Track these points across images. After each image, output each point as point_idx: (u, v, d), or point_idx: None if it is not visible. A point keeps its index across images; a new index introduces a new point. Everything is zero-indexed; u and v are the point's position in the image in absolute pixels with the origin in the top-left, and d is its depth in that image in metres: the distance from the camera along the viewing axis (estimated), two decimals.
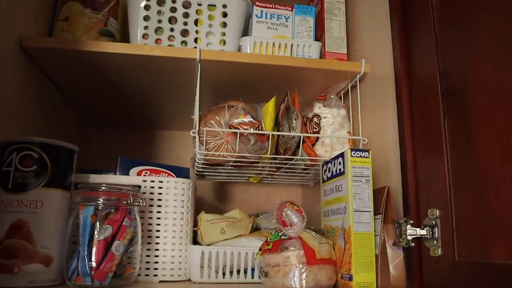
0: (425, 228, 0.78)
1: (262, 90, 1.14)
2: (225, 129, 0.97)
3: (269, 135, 0.96)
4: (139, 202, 0.92)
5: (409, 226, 0.80)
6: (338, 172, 0.89)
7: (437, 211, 0.75)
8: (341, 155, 0.88)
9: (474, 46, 0.70)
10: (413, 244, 0.80)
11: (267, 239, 0.88)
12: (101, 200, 0.88)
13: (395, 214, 0.86)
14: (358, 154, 0.86)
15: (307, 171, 1.12)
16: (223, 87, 1.16)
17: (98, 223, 0.86)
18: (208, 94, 1.18)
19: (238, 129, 0.94)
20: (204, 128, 0.96)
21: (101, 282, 0.84)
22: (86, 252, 0.84)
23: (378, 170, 0.97)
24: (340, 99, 1.15)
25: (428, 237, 0.77)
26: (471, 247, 0.68)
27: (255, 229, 1.06)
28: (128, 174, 1.02)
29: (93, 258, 0.84)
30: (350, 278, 0.81)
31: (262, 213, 1.31)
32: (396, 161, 0.90)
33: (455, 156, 0.73)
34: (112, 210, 0.89)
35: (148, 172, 1.03)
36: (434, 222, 0.76)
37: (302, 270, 0.80)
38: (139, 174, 1.03)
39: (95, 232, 0.85)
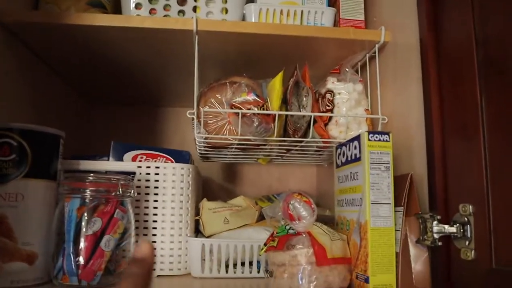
0: (455, 226, 0.65)
1: (269, 64, 1.00)
2: (226, 109, 0.84)
3: (275, 115, 0.83)
4: (131, 193, 0.81)
5: (435, 222, 0.67)
6: (353, 157, 0.76)
7: (471, 206, 0.62)
8: (357, 138, 0.74)
9: None
10: (440, 243, 0.67)
11: (273, 233, 0.76)
12: (88, 191, 0.77)
13: (419, 207, 0.73)
14: (376, 137, 0.72)
15: (320, 153, 0.99)
16: (226, 62, 1.02)
17: (86, 216, 0.76)
18: (210, 69, 1.05)
19: (240, 108, 0.82)
20: (202, 108, 0.83)
21: (89, 282, 0.74)
22: (71, 249, 0.74)
23: (399, 155, 0.83)
24: (357, 72, 1.00)
25: (459, 236, 0.64)
26: None
27: (262, 217, 0.95)
28: (122, 160, 0.91)
29: (81, 256, 0.74)
30: (367, 280, 0.69)
31: (274, 195, 1.20)
32: (422, 145, 0.76)
33: (494, 140, 0.59)
34: (103, 201, 0.79)
35: (144, 157, 0.92)
36: (466, 219, 0.63)
37: (311, 272, 0.68)
38: (134, 159, 0.91)
39: (82, 227, 0.75)
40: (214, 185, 1.38)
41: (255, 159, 1.09)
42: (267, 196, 1.16)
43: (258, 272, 0.85)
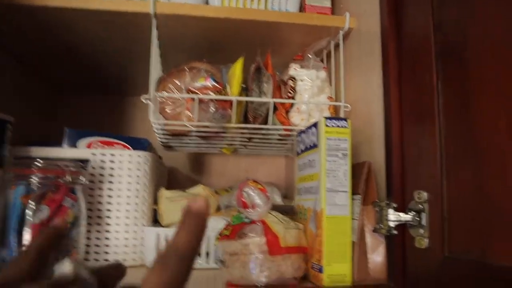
0: (410, 213, 0.62)
1: (233, 51, 0.97)
2: (182, 94, 0.80)
3: (233, 101, 0.80)
4: (82, 180, 0.77)
5: (391, 210, 0.65)
6: (311, 144, 0.73)
7: (425, 193, 0.60)
8: (315, 124, 0.72)
9: None
10: (395, 232, 0.65)
11: (229, 222, 0.73)
12: (34, 178, 0.73)
13: (377, 195, 0.71)
14: (334, 123, 0.70)
15: (283, 142, 0.96)
16: (190, 48, 0.99)
17: (32, 204, 0.72)
18: (174, 56, 1.01)
19: (197, 94, 0.78)
20: (157, 93, 0.80)
21: None
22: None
23: (362, 143, 0.81)
24: (323, 61, 0.97)
25: (414, 224, 0.62)
26: (466, 241, 0.52)
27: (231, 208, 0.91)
28: (76, 147, 0.87)
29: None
30: (321, 270, 0.66)
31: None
32: (382, 133, 0.73)
33: (449, 127, 0.57)
34: (53, 189, 0.75)
35: (100, 144, 0.88)
36: (421, 206, 0.60)
37: (263, 261, 0.65)
38: (89, 146, 0.87)
39: (28, 215, 0.71)
40: (180, 175, 1.34)
41: (219, 149, 1.06)
42: (230, 187, 1.13)
43: (216, 263, 0.82)
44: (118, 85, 1.28)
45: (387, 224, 0.65)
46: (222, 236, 0.70)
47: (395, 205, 0.65)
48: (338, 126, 0.70)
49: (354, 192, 0.71)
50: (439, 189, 0.57)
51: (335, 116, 0.90)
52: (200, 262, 0.82)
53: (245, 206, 0.69)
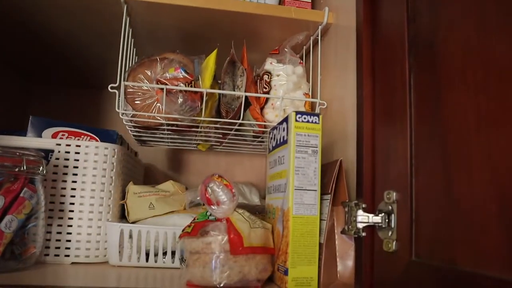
0: (379, 215, 0.59)
1: (209, 43, 0.93)
2: (150, 84, 0.76)
3: (202, 93, 0.76)
4: (42, 170, 0.73)
5: (360, 210, 0.61)
6: (281, 140, 0.69)
7: (395, 194, 0.56)
8: (286, 119, 0.68)
9: None
10: (364, 234, 0.61)
11: (194, 219, 0.69)
12: None
13: (348, 195, 0.67)
14: (305, 118, 0.66)
15: (259, 139, 0.92)
16: (164, 39, 0.95)
17: None
18: (148, 46, 0.97)
19: (166, 84, 0.74)
20: (124, 82, 0.75)
21: None
22: None
23: (336, 142, 0.77)
24: (302, 58, 0.94)
25: (383, 226, 0.58)
26: (432, 244, 0.49)
27: (195, 204, 0.87)
28: (41, 136, 0.82)
29: None
30: (286, 272, 0.63)
31: None
32: (355, 131, 0.70)
33: (420, 123, 0.53)
34: (12, 179, 0.71)
35: (66, 135, 0.83)
36: (390, 207, 0.57)
37: (225, 261, 0.61)
38: (54, 136, 0.83)
39: None
40: (158, 173, 1.30)
41: (195, 145, 1.02)
42: None
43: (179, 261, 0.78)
44: (94, 78, 1.23)
45: (356, 226, 0.61)
46: (183, 233, 0.66)
47: (364, 205, 0.61)
48: (308, 121, 0.66)
49: (324, 191, 0.67)
50: (408, 189, 0.53)
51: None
52: (165, 261, 0.78)
53: (209, 202, 0.65)
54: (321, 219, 0.65)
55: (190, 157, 1.33)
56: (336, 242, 0.67)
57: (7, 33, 0.95)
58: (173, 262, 0.78)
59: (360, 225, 0.61)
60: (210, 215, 0.67)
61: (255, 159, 1.36)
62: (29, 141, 0.79)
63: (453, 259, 0.44)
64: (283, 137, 0.68)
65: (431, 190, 0.49)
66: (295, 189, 0.64)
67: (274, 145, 0.74)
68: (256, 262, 0.63)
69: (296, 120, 0.65)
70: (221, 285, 0.60)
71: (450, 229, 0.45)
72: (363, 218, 0.60)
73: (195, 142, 0.98)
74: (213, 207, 0.65)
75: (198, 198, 0.67)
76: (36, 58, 1.10)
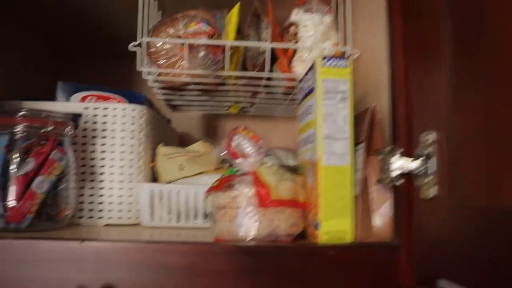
0: (417, 160, 0.53)
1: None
2: (171, 40, 0.73)
3: (225, 47, 0.71)
4: (70, 132, 0.71)
5: (396, 157, 0.55)
6: (309, 90, 0.64)
7: (432, 135, 0.50)
8: (312, 66, 0.63)
9: None
10: (401, 181, 0.55)
11: (222, 175, 0.66)
12: (18, 127, 0.67)
13: (383, 144, 0.62)
14: (332, 63, 0.60)
15: (290, 97, 0.87)
16: None
17: (16, 155, 0.67)
18: (168, 6, 0.92)
19: (187, 39, 0.70)
20: (145, 39, 0.72)
21: (17, 224, 0.65)
22: None
23: (369, 93, 0.71)
24: (331, 8, 0.87)
25: (422, 171, 0.52)
26: (476, 184, 0.43)
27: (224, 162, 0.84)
28: (69, 101, 0.81)
29: (9, 197, 0.65)
30: (317, 226, 0.58)
31: None
32: (388, 77, 0.64)
33: (459, 56, 0.46)
34: (42, 142, 0.70)
35: (94, 98, 0.82)
36: (428, 150, 0.51)
37: (253, 214, 0.58)
38: (82, 100, 0.81)
39: (12, 166, 0.66)
40: (193, 142, 1.26)
41: (226, 108, 0.98)
42: None
43: (206, 218, 0.75)
44: (122, 47, 1.20)
45: (391, 173, 0.55)
46: (209, 188, 0.63)
47: (400, 150, 0.55)
48: (336, 65, 0.60)
49: (357, 141, 0.62)
50: (446, 127, 0.47)
51: None
52: (197, 222, 0.75)
53: (234, 156, 0.61)
54: (354, 170, 0.60)
55: (225, 124, 1.29)
56: (371, 194, 0.62)
57: (35, 3, 0.94)
58: (204, 222, 0.75)
59: (396, 172, 0.55)
60: (238, 170, 0.63)
61: (291, 124, 1.30)
62: (57, 105, 0.78)
63: (499, 197, 0.39)
64: (310, 85, 0.63)
65: (472, 126, 0.43)
66: (324, 138, 0.59)
67: (302, 96, 0.69)
68: (285, 216, 0.59)
69: (323, 65, 0.60)
70: (249, 238, 0.57)
71: (495, 165, 0.39)
72: (400, 164, 0.55)
73: (226, 104, 0.95)
74: (238, 161, 0.61)
75: (224, 153, 0.64)
76: (64, 28, 1.09)
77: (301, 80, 0.70)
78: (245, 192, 0.58)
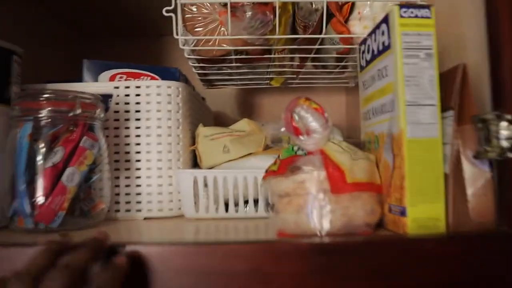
0: None
1: None
2: (210, 0, 0.62)
3: (274, 4, 0.60)
4: (101, 115, 0.62)
5: (504, 124, 0.44)
6: (381, 48, 0.53)
7: None
8: (385, 18, 0.51)
9: None
10: (511, 154, 0.44)
11: (278, 156, 0.56)
12: (43, 112, 0.58)
13: (476, 110, 0.50)
14: (412, 12, 0.49)
15: (343, 63, 0.75)
16: None
17: (42, 144, 0.58)
18: None
19: None
20: (180, 1, 0.61)
21: (47, 224, 0.57)
22: (23, 185, 0.57)
23: (446, 48, 0.59)
24: None
25: None
26: None
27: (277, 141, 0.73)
28: (97, 81, 0.72)
29: (37, 193, 0.57)
30: (403, 212, 0.47)
31: None
32: (476, 30, 0.52)
33: None
34: (71, 128, 0.61)
35: (125, 77, 0.72)
36: None
37: (325, 202, 0.47)
38: (112, 79, 0.72)
39: (39, 158, 0.57)
40: (229, 120, 1.16)
41: (267, 81, 0.87)
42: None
43: (264, 208, 0.65)
44: (150, 26, 1.10)
45: (498, 144, 0.44)
46: (268, 172, 0.52)
47: (508, 116, 0.44)
48: (417, 16, 0.49)
49: (445, 107, 0.50)
50: None
51: None
52: (247, 210, 0.66)
53: (297, 132, 0.51)
54: (443, 143, 0.49)
55: (262, 100, 1.18)
56: (464, 171, 0.51)
57: None
58: (256, 211, 0.65)
59: (505, 143, 0.44)
60: (298, 149, 0.53)
61: (333, 96, 1.18)
62: (84, 86, 0.69)
63: None
64: (383, 42, 0.52)
65: None
66: (408, 105, 0.48)
67: (369, 58, 0.57)
68: (362, 202, 0.49)
69: (401, 16, 0.48)
70: (323, 232, 0.47)
71: None
72: (509, 133, 0.43)
73: (267, 76, 0.84)
74: (302, 138, 0.51)
75: (282, 130, 0.53)
76: (88, 8, 0.99)
77: (364, 41, 0.59)
78: (314, 175, 0.48)
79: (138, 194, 0.68)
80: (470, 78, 0.51)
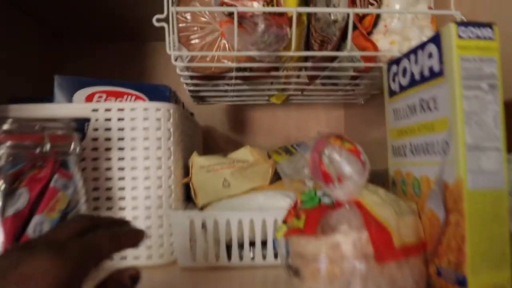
0: None
1: None
2: (214, 8, 0.51)
3: (292, 13, 0.49)
4: (73, 148, 0.50)
5: None
6: (427, 73, 0.43)
7: None
8: (435, 38, 0.41)
9: None
10: None
11: (296, 203, 0.45)
12: (2, 148, 0.46)
13: None
14: (472, 32, 0.39)
15: (356, 81, 0.66)
16: None
17: (2, 187, 0.46)
18: None
19: (235, 6, 0.48)
20: (174, 8, 0.50)
21: None
22: None
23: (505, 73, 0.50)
24: None
25: None
26: None
27: (279, 176, 0.63)
28: (71, 101, 0.60)
29: None
30: (463, 282, 0.38)
31: (293, 146, 0.88)
32: None
33: None
34: (39, 164, 0.49)
35: (104, 96, 0.60)
36: None
37: (368, 273, 0.37)
38: (89, 99, 0.60)
39: None
40: (218, 136, 1.06)
41: (267, 98, 0.77)
42: (284, 148, 0.83)
43: (276, 257, 0.55)
44: (135, 28, 0.98)
45: None
46: (291, 230, 0.42)
47: None
48: (478, 37, 0.39)
49: (509, 148, 0.41)
50: None
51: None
52: (254, 258, 0.55)
53: (327, 179, 0.41)
54: (509, 194, 0.39)
55: (254, 114, 1.07)
56: None
57: None
58: (264, 258, 0.55)
59: None
60: (323, 195, 0.43)
61: (331, 112, 1.08)
62: (56, 108, 0.57)
63: None
64: (430, 67, 0.42)
65: None
66: (468, 149, 0.38)
67: (405, 83, 0.47)
68: (410, 267, 0.39)
69: (460, 36, 0.39)
70: None
71: None
72: None
73: (267, 93, 0.73)
74: (333, 186, 0.40)
75: (305, 171, 0.43)
76: (66, 8, 0.86)
77: (396, 61, 0.49)
78: (353, 238, 0.38)
79: None
80: None
